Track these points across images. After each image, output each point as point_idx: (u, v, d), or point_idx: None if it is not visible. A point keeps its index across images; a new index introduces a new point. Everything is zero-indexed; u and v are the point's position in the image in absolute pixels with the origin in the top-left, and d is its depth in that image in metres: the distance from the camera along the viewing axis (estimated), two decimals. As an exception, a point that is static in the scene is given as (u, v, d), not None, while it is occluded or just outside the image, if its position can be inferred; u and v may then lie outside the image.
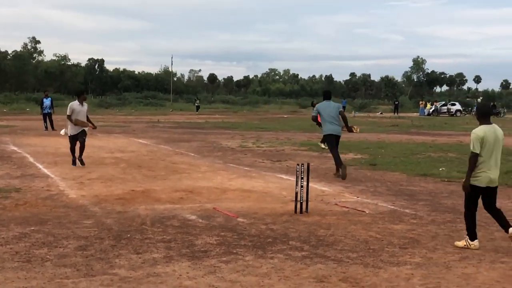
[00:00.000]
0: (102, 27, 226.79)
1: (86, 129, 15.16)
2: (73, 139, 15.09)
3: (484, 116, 7.63)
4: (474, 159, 7.40)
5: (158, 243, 7.41)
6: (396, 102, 76.16)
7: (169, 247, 7.19)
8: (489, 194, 7.58)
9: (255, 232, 8.14)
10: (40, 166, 14.84)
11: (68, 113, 14.91)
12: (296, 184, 9.50)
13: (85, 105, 15.15)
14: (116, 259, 6.65)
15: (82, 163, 14.88)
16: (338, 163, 13.76)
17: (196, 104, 66.21)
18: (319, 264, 6.57)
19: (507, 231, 7.46)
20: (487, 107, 7.95)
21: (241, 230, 8.21)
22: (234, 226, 8.50)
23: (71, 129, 15.07)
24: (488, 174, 7.44)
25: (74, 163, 14.91)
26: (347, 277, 6.13)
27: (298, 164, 9.61)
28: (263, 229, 8.31)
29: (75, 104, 14.97)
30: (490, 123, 7.58)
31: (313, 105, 22.86)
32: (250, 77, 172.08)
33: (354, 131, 14.88)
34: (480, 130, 7.46)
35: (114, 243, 7.37)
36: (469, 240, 7.54)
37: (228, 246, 7.31)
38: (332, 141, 14.06)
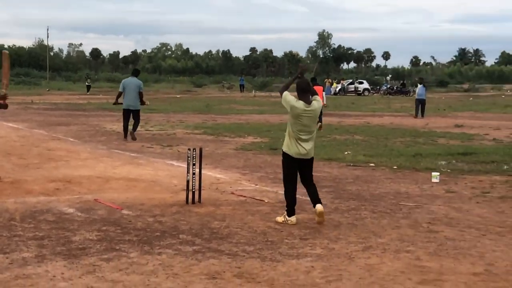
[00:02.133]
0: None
1: None
2: None
3: (301, 93, 8.36)
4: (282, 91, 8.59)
5: (29, 240, 7.23)
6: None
7: (41, 245, 7.03)
8: (301, 166, 8.46)
9: (141, 225, 8.10)
10: None
11: None
12: (188, 171, 9.50)
13: None
14: (-22, 260, 6.44)
15: None
16: (126, 133, 18.54)
17: (87, 84, 65.07)
18: (212, 259, 6.62)
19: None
20: (304, 83, 8.52)
21: (125, 224, 8.14)
22: (117, 219, 8.41)
23: None
24: (298, 146, 8.29)
25: None
26: (242, 272, 6.21)
27: (189, 149, 9.61)
28: (150, 222, 8.27)
29: None
30: (308, 102, 8.29)
31: None
32: (139, 52, 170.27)
33: (146, 103, 19.99)
34: (298, 102, 8.27)
35: (-24, 242, 7.13)
36: (286, 216, 8.43)
37: (110, 242, 7.23)
38: (128, 116, 18.65)
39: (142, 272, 6.14)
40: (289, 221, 8.33)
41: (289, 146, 8.34)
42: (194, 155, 9.51)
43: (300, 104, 8.23)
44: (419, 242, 7.56)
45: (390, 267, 6.52)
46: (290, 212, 8.41)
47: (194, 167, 9.51)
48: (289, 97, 8.35)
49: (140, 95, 18.65)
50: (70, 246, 7.02)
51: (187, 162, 9.56)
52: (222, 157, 14.99)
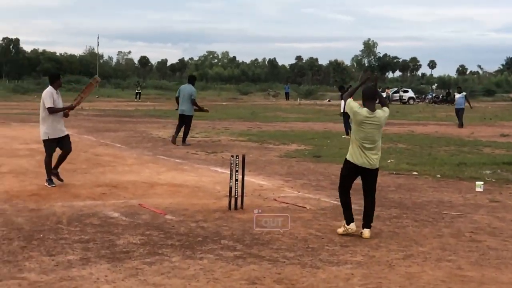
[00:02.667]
0: (16, 1, 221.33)
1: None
2: (51, 145, 11.30)
3: (366, 100, 8.14)
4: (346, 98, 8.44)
5: (74, 243, 7.33)
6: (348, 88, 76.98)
7: (86, 248, 7.13)
8: (364, 175, 8.20)
9: (184, 230, 8.14)
10: None
11: (48, 105, 11.02)
12: (231, 178, 9.53)
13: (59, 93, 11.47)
14: (25, 261, 6.56)
15: (59, 178, 11.47)
16: (176, 132, 19.14)
17: (137, 91, 64.64)
18: (253, 265, 6.63)
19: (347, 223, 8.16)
20: (370, 91, 8.28)
21: (168, 229, 8.20)
22: (161, 224, 8.48)
23: (49, 129, 11.15)
24: (362, 156, 8.06)
25: (51, 181, 11.24)
26: (282, 278, 6.20)
27: (232, 156, 9.63)
28: (193, 227, 8.32)
29: (54, 92, 11.16)
30: (372, 110, 8.06)
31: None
32: (186, 60, 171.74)
33: (205, 110, 19.98)
34: (362, 109, 8.05)
35: (24, 244, 7.26)
36: (346, 225, 8.16)
37: (153, 246, 7.29)
38: (182, 120, 19.11)
39: (184, 276, 6.17)
40: (349, 230, 8.07)
41: (352, 154, 8.14)
42: (237, 162, 9.54)
43: (363, 111, 8.05)
44: (461, 251, 7.45)
45: (431, 276, 6.44)
46: (349, 219, 8.13)
47: (237, 173, 9.53)
48: (353, 104, 8.17)
49: (193, 102, 19.03)
50: (114, 250, 7.10)
51: (230, 168, 9.59)
52: (266, 164, 14.99)
